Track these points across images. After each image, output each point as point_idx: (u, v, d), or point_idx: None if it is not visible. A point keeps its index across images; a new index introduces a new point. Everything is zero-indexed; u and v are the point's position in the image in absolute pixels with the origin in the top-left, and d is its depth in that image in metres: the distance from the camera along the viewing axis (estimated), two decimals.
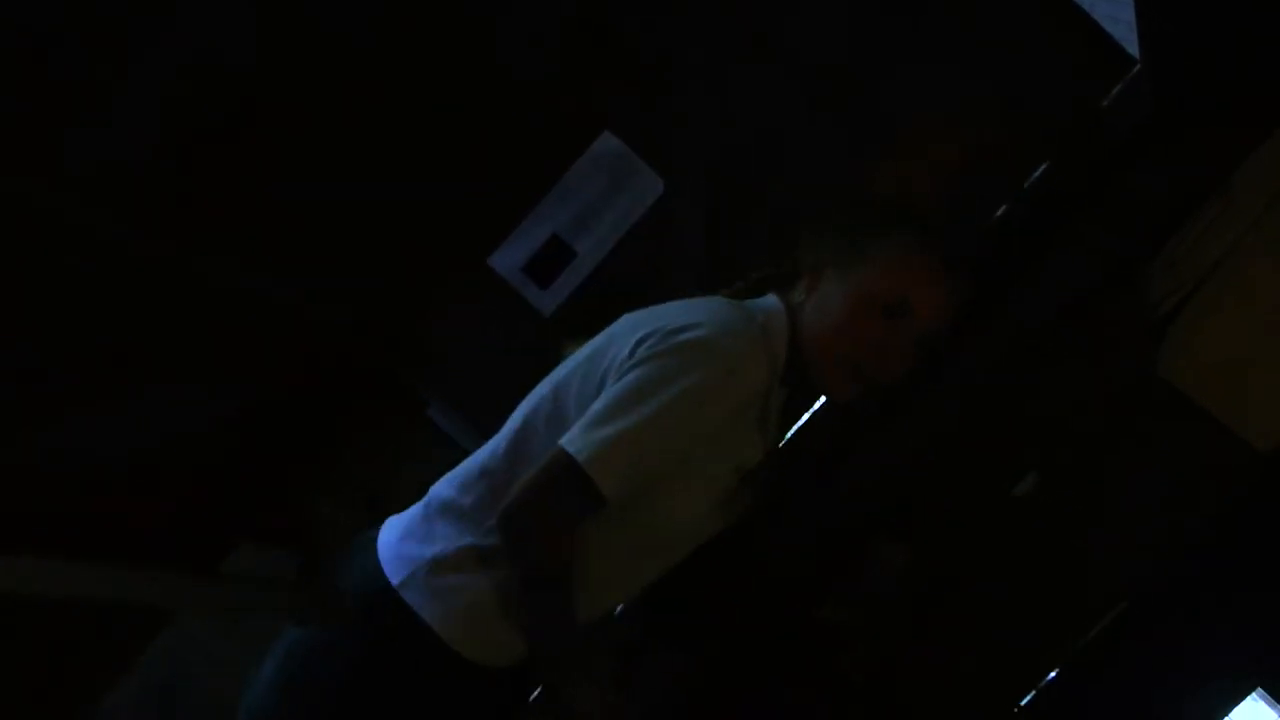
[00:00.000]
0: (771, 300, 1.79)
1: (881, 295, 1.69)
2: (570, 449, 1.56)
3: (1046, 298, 2.62)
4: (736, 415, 1.66)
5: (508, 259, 2.87)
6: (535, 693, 1.89)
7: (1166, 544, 2.98)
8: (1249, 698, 9.83)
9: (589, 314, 2.84)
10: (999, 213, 2.65)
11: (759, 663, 2.63)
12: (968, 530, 2.78)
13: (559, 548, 1.61)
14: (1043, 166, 2.66)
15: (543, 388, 1.81)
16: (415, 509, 1.85)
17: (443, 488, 1.84)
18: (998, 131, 2.64)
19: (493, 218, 2.77)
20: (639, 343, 1.64)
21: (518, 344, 2.85)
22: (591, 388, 1.67)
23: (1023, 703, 2.95)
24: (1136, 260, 2.77)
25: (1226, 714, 9.64)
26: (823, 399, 2.40)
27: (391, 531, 1.82)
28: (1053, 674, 3.00)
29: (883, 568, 2.61)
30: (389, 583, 1.71)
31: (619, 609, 1.96)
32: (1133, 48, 2.64)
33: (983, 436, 2.76)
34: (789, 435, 2.19)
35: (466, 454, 1.86)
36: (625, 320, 1.78)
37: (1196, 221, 2.77)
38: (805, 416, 2.20)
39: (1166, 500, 2.88)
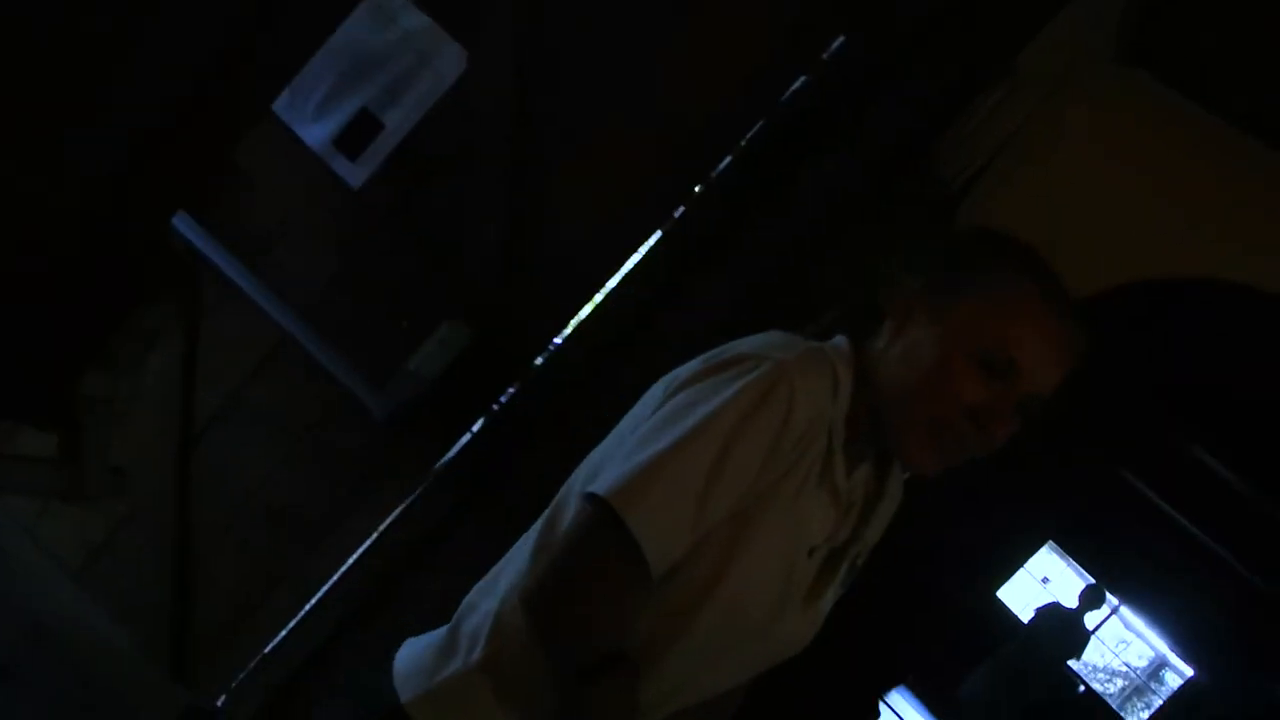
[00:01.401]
0: (838, 340, 1.45)
1: (979, 345, 1.35)
2: (598, 489, 1.26)
3: (845, 170, 2.68)
4: (790, 456, 1.31)
5: (317, 132, 2.86)
6: None
7: None
8: (1042, 549, 10.73)
9: (397, 187, 2.85)
10: (796, 85, 2.69)
11: None
12: None
13: (602, 625, 1.27)
14: (839, 39, 2.70)
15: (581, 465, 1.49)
16: (441, 628, 1.52)
17: (471, 595, 1.52)
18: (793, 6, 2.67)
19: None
20: (675, 378, 1.38)
21: (328, 216, 2.83)
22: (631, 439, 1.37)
23: None
24: (929, 136, 2.87)
25: (1022, 564, 10.53)
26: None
27: (410, 647, 1.52)
28: None
29: None
30: (396, 701, 1.43)
31: None
32: None
33: (780, 311, 2.86)
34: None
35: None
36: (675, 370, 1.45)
37: (984, 101, 2.89)
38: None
39: None
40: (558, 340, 2.51)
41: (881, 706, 5.76)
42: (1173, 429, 6.22)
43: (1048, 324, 1.37)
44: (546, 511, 1.46)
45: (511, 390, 2.50)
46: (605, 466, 1.34)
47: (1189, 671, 10.17)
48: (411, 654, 1.49)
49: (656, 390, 1.41)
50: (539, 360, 2.51)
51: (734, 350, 1.36)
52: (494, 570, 1.51)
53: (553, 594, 1.27)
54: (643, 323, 2.44)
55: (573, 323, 2.49)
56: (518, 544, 1.49)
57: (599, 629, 1.26)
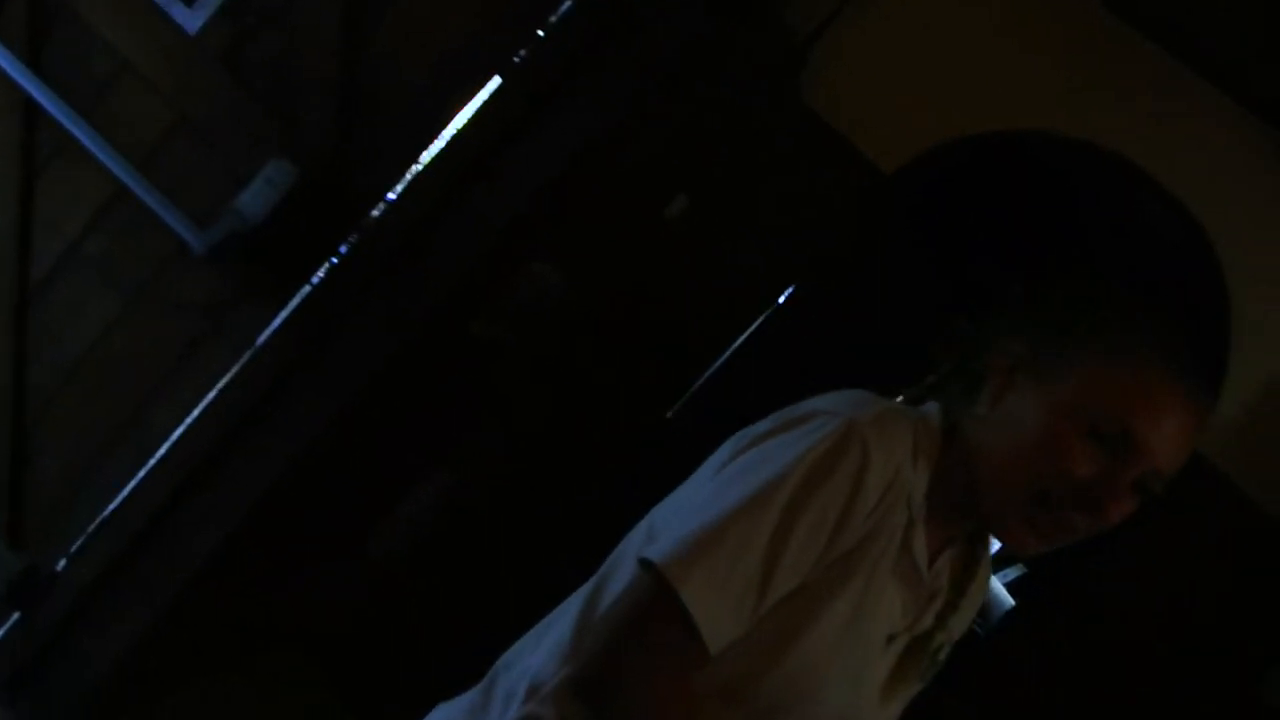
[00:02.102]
0: (929, 405, 1.30)
1: (1093, 415, 1.16)
2: (652, 555, 1.13)
3: (687, 20, 2.64)
4: (863, 526, 1.16)
5: None
6: None
7: (805, 259, 3.23)
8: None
9: (232, 32, 2.74)
10: None
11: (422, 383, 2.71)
12: (620, 251, 2.91)
13: (664, 710, 1.12)
14: None
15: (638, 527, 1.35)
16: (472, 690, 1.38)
17: (509, 653, 1.39)
18: None
19: None
20: (743, 435, 1.26)
21: (163, 62, 2.72)
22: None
23: (670, 413, 3.22)
24: None
25: None
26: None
27: (442, 712, 1.40)
28: (699, 382, 3.29)
29: (535, 286, 2.71)
30: None
31: None
32: None
33: (634, 161, 2.84)
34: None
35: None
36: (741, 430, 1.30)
37: None
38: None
39: (804, 218, 3.09)
40: (396, 189, 2.45)
41: None
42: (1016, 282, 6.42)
43: (1175, 395, 1.16)
44: (600, 570, 1.33)
45: (350, 241, 2.44)
46: (664, 529, 1.23)
47: None
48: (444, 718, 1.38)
49: (725, 448, 1.27)
50: (376, 211, 2.45)
51: (807, 406, 1.22)
52: (537, 629, 1.38)
53: (608, 676, 1.13)
54: (481, 171, 2.39)
55: (410, 171, 2.43)
56: (565, 602, 1.36)
57: (666, 709, 1.11)
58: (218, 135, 2.68)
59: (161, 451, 2.56)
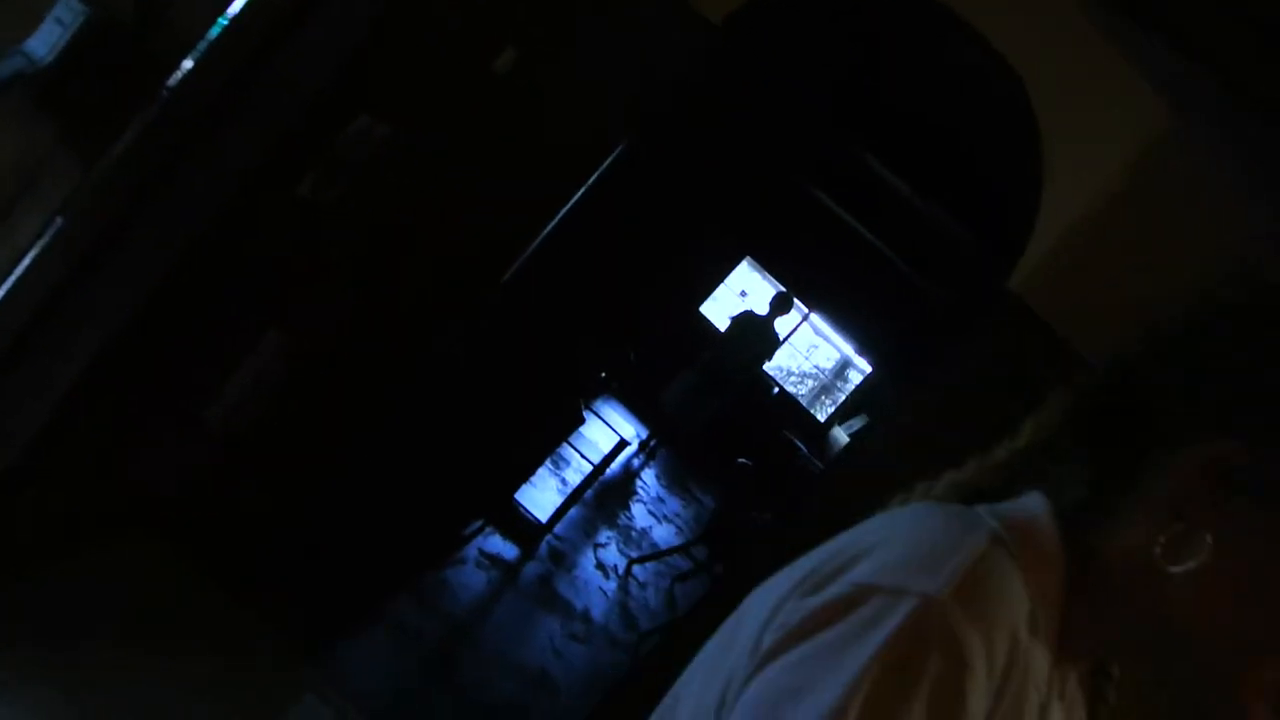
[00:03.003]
0: (1032, 505, 0.91)
1: None
2: None
3: None
4: None
5: None
6: None
7: (636, 115, 3.23)
8: (742, 264, 11.29)
9: None
10: None
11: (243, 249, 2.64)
12: (448, 105, 2.86)
13: None
14: None
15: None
16: None
17: None
18: None
19: None
20: (772, 614, 0.85)
21: None
22: (711, 699, 0.89)
23: (505, 277, 3.23)
24: None
25: (724, 277, 11.03)
26: None
27: None
28: (534, 246, 3.29)
29: (360, 142, 2.65)
30: None
31: None
32: None
33: (459, 13, 2.78)
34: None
35: None
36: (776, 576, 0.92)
37: None
38: None
39: (639, 68, 3.08)
40: (203, 40, 2.34)
41: (587, 414, 6.11)
42: (850, 143, 6.59)
43: None
44: None
45: (160, 97, 2.33)
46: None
47: (868, 368, 11.27)
48: None
49: (751, 622, 0.88)
50: (183, 65, 2.34)
51: (855, 576, 0.81)
52: None
53: None
54: (297, 20, 2.30)
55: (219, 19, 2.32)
56: None
57: None
58: None
59: None
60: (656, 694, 1.00)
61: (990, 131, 4.29)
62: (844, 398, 12.13)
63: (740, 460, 6.48)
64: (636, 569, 6.21)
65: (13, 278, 2.46)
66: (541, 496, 5.93)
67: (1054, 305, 2.97)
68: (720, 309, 11.00)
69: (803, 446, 8.56)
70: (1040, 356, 2.97)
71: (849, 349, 12.73)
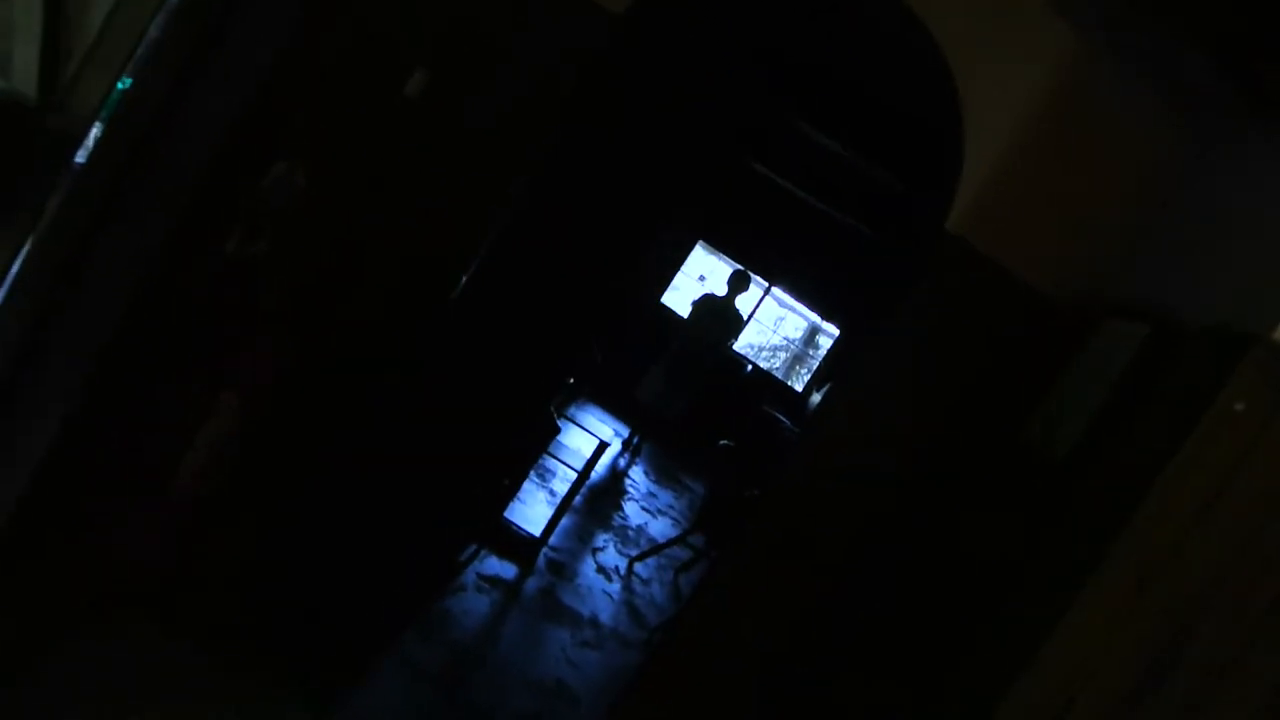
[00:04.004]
0: None
1: None
2: None
3: None
4: None
5: None
6: None
7: (545, 124, 3.21)
8: (695, 249, 11.27)
9: None
10: None
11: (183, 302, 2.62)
12: (366, 137, 2.84)
13: None
14: None
15: None
16: None
17: None
18: None
19: None
20: None
21: None
22: None
23: (453, 295, 3.21)
24: None
25: (681, 265, 11.01)
26: None
27: None
28: (476, 263, 3.28)
29: (280, 189, 2.64)
30: None
31: None
32: None
33: (364, 44, 2.76)
34: None
35: None
36: None
37: None
38: None
39: (537, 83, 3.07)
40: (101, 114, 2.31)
41: (562, 422, 6.11)
42: (779, 111, 6.61)
43: None
44: None
45: (70, 174, 2.30)
46: None
47: (836, 331, 11.30)
48: None
49: None
50: (91, 135, 2.31)
51: None
52: None
53: None
54: (197, 72, 2.28)
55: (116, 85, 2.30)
56: None
57: None
58: None
59: None
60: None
61: (904, 77, 4.33)
62: (817, 364, 12.18)
63: (722, 442, 6.48)
64: (638, 567, 6.20)
65: None
66: (531, 511, 5.92)
67: (994, 239, 3.00)
68: (682, 297, 11.01)
69: (784, 419, 8.57)
70: (989, 291, 2.99)
71: (814, 316, 12.77)
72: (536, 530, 5.51)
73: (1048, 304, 2.97)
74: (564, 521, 6.06)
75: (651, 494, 8.23)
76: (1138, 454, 2.10)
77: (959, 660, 2.24)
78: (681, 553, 6.52)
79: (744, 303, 9.33)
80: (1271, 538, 1.90)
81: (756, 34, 5.19)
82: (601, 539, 6.39)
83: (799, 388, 11.17)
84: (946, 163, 3.09)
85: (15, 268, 2.28)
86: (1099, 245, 2.99)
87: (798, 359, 13.96)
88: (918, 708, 2.27)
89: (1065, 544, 2.16)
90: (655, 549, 6.37)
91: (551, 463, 6.66)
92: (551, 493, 6.44)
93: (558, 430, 5.39)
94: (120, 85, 2.25)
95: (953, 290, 3.03)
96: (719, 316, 8.76)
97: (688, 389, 8.79)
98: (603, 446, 5.73)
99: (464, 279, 3.33)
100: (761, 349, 14.15)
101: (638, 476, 8.53)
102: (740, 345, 11.11)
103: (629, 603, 5.64)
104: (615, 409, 9.78)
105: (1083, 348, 2.64)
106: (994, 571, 2.39)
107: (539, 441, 5.21)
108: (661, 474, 9.05)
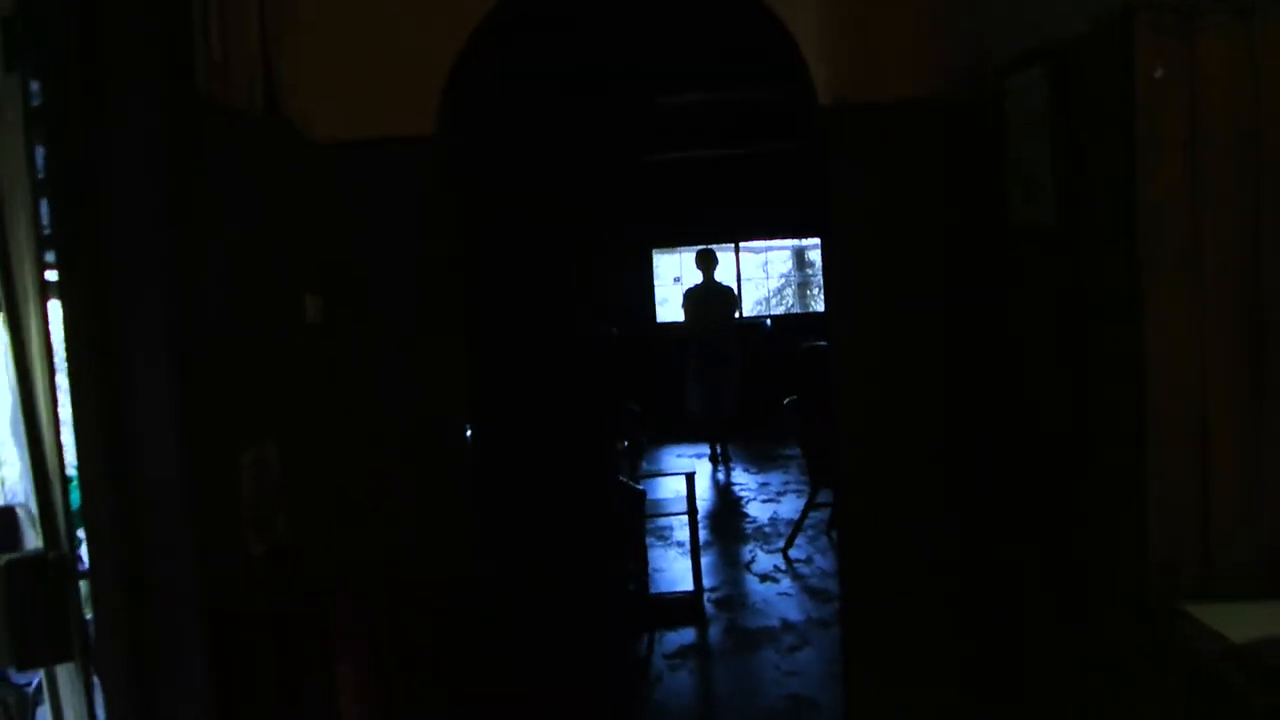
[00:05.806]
0: None
1: None
2: None
3: None
4: None
5: None
6: None
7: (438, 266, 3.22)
8: (655, 256, 11.16)
9: None
10: None
11: None
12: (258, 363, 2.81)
13: None
14: None
15: None
16: None
17: None
18: None
19: None
20: None
21: None
22: None
23: (463, 446, 3.23)
24: None
25: (652, 279, 10.93)
26: None
27: None
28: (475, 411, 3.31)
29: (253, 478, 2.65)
30: None
31: None
32: None
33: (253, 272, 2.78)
34: None
35: None
36: None
37: None
38: None
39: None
40: None
41: (644, 485, 6.11)
42: (641, 93, 6.64)
43: None
44: None
45: None
46: None
47: (818, 239, 11.26)
48: None
49: None
50: None
51: None
52: None
53: None
54: None
55: None
56: None
57: None
58: None
59: None
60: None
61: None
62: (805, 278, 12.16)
63: (787, 400, 6.46)
64: (792, 552, 6.17)
65: None
66: (672, 571, 5.92)
67: (865, 83, 2.98)
68: (674, 306, 11.01)
69: (825, 344, 8.53)
70: (883, 143, 2.98)
71: (794, 240, 12.71)
72: (688, 585, 5.49)
73: (942, 102, 2.95)
74: (705, 560, 6.04)
75: (763, 484, 8.20)
76: (1108, 175, 2.08)
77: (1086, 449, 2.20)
78: (820, 515, 6.48)
79: (723, 275, 9.33)
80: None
81: (570, 72, 5.22)
82: (746, 552, 6.36)
83: (821, 309, 11.12)
84: (786, 50, 3.10)
85: None
86: (950, 27, 2.96)
87: (804, 285, 13.87)
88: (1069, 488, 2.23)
89: (1114, 292, 2.13)
90: (795, 528, 6.33)
91: (662, 520, 6.65)
92: (679, 544, 6.43)
93: (643, 494, 5.38)
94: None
95: (858, 147, 3.04)
96: (708, 301, 8.77)
97: (725, 381, 8.78)
98: (691, 478, 5.71)
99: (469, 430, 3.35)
100: (768, 297, 14.11)
101: (741, 478, 8.50)
102: (747, 307, 11.08)
103: (805, 588, 5.60)
104: (683, 436, 9.77)
105: (1004, 118, 2.61)
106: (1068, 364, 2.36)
107: (632, 516, 5.20)
108: (759, 461, 9.03)
